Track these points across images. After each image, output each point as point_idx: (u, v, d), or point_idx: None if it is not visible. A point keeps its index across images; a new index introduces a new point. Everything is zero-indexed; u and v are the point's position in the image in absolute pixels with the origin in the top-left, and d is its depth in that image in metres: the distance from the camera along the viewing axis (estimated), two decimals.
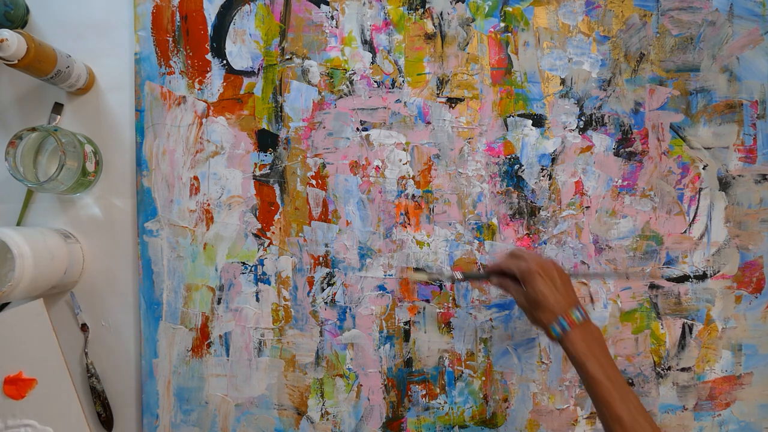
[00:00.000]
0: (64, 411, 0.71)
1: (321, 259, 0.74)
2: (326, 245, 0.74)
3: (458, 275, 0.72)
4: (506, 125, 0.75)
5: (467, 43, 0.75)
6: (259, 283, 0.74)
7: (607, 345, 0.59)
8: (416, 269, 0.74)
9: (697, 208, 0.75)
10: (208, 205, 0.74)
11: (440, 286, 0.74)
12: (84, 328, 0.74)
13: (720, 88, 0.75)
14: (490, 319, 0.74)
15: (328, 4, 0.75)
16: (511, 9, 0.75)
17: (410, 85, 0.75)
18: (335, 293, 0.74)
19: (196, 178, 0.75)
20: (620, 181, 0.75)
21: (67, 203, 0.75)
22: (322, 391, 0.74)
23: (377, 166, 0.75)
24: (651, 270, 0.74)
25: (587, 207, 0.75)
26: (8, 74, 0.75)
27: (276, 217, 0.74)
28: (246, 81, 0.75)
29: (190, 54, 0.75)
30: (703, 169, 0.75)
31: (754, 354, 0.74)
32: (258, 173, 0.75)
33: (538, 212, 0.74)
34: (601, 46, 0.75)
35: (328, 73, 0.75)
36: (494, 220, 0.74)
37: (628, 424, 0.53)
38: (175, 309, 0.74)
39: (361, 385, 0.74)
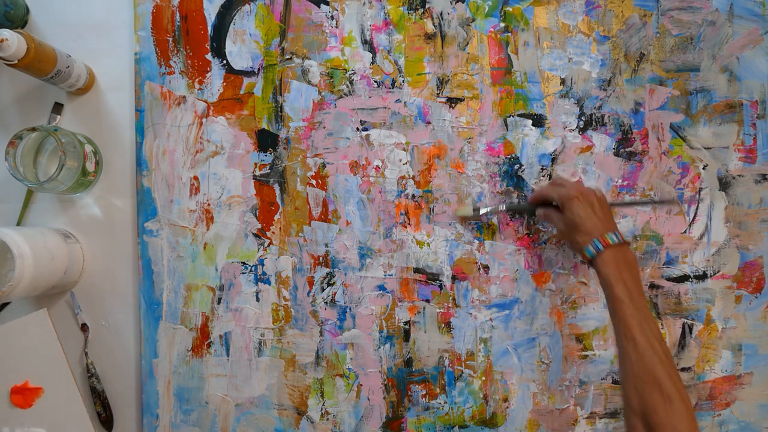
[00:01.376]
0: (70, 418, 0.71)
1: (321, 259, 0.74)
2: (326, 245, 0.74)
3: (502, 207, 0.72)
4: (506, 125, 0.75)
5: (467, 43, 0.75)
6: (259, 283, 0.74)
7: (640, 272, 0.61)
8: (464, 208, 0.73)
9: (697, 208, 0.75)
10: (208, 205, 0.74)
11: (440, 286, 0.74)
12: (84, 328, 0.74)
13: (720, 88, 0.75)
14: (490, 319, 0.74)
15: (328, 4, 0.75)
16: (511, 9, 0.75)
17: (410, 85, 0.75)
18: (335, 293, 0.74)
19: (196, 178, 0.75)
20: (620, 181, 0.75)
21: (67, 203, 0.75)
22: (322, 391, 0.74)
23: (377, 166, 0.75)
24: (651, 271, 0.74)
25: None
26: (8, 74, 0.75)
27: (276, 217, 0.74)
28: (246, 81, 0.75)
29: (190, 54, 0.75)
30: (703, 169, 0.75)
31: (754, 354, 0.74)
32: (258, 173, 0.75)
33: None
34: (601, 46, 0.75)
35: (328, 73, 0.75)
36: (494, 220, 0.74)
37: (642, 347, 0.54)
38: (175, 309, 0.74)
39: (361, 385, 0.74)
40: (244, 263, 0.74)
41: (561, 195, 0.65)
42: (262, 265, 0.74)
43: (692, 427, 0.50)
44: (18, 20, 0.74)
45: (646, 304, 0.57)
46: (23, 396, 0.71)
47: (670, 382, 0.52)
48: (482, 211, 0.72)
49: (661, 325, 0.74)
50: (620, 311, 0.56)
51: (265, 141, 0.75)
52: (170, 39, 0.75)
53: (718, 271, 0.74)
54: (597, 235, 0.61)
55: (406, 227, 0.74)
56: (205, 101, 0.75)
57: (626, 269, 0.59)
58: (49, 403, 0.71)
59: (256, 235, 0.74)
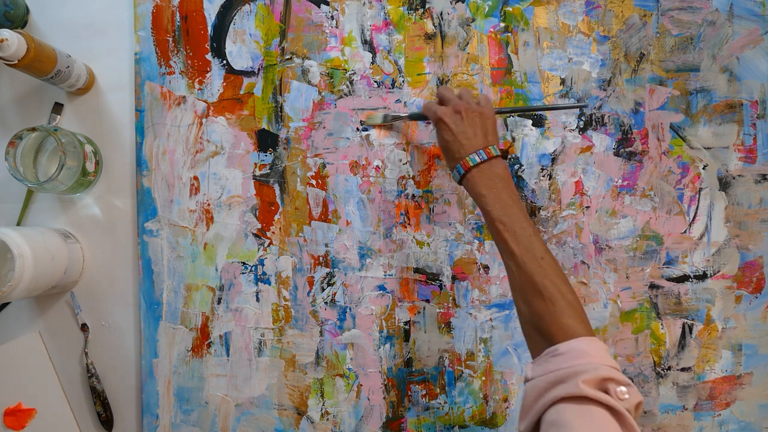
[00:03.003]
0: None
1: (321, 259, 0.74)
2: (326, 245, 0.74)
3: (405, 114, 0.72)
4: (506, 125, 0.75)
5: (467, 43, 0.75)
6: (259, 283, 0.74)
7: (512, 181, 0.59)
8: (376, 116, 0.74)
9: (697, 208, 0.75)
10: (208, 205, 0.74)
11: (440, 286, 0.74)
12: (84, 328, 0.74)
13: (720, 88, 0.75)
14: (490, 319, 0.74)
15: (328, 4, 0.75)
16: (511, 9, 0.75)
17: (410, 85, 0.75)
18: (335, 293, 0.74)
19: (196, 178, 0.75)
20: (620, 181, 0.75)
21: (67, 203, 0.75)
22: (322, 391, 0.74)
23: (377, 166, 0.75)
24: (651, 270, 0.74)
25: (587, 207, 0.75)
26: (8, 74, 0.75)
27: (276, 217, 0.74)
28: (246, 81, 0.75)
29: (190, 54, 0.75)
30: (703, 169, 0.75)
31: (754, 354, 0.74)
32: (258, 173, 0.75)
33: (538, 212, 0.74)
34: (601, 46, 0.75)
35: (328, 73, 0.75)
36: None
37: (520, 258, 0.54)
38: (175, 309, 0.74)
39: (361, 385, 0.74)
40: (244, 263, 0.74)
41: (432, 118, 0.64)
42: (262, 265, 0.74)
43: (580, 321, 0.50)
44: (18, 20, 0.74)
45: (522, 213, 0.56)
46: (16, 418, 0.71)
47: (551, 285, 0.52)
48: (391, 120, 0.73)
49: (661, 325, 0.74)
50: (495, 228, 0.56)
51: (265, 141, 0.75)
52: (170, 39, 0.75)
53: (718, 271, 0.74)
54: (458, 159, 0.60)
55: (406, 227, 0.74)
56: (205, 101, 0.75)
57: (498, 182, 0.58)
58: (42, 424, 0.71)
59: (256, 235, 0.74)
